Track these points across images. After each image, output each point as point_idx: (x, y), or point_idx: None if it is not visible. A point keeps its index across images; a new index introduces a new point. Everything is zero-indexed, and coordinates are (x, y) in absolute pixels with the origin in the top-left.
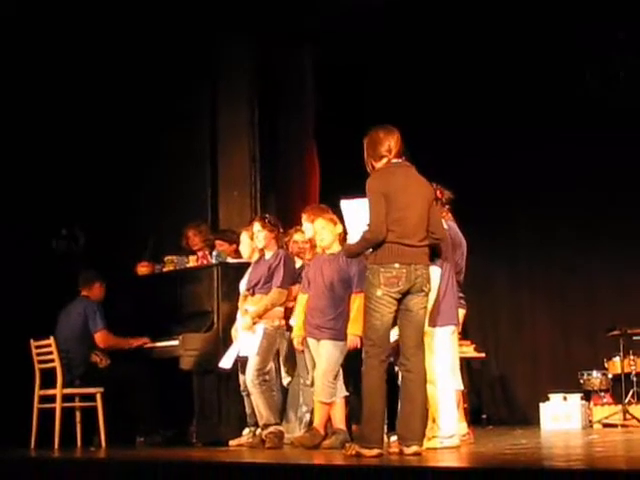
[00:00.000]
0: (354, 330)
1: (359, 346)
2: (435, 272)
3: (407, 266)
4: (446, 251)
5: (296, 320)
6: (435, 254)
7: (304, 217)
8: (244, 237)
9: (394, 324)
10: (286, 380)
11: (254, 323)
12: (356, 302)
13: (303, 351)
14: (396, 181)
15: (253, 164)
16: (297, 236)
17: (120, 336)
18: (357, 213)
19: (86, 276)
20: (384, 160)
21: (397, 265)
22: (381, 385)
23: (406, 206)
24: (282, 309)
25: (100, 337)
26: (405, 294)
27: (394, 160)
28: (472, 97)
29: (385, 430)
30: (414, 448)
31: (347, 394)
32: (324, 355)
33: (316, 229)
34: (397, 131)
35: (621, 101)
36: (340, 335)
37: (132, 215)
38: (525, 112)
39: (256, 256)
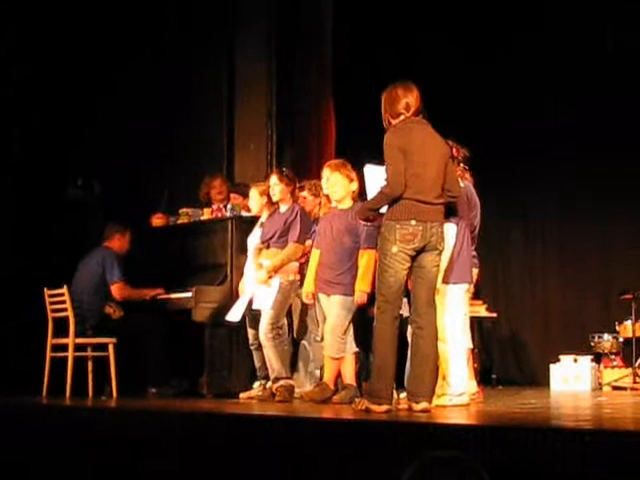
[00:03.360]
0: (362, 286)
1: (366, 302)
2: (451, 229)
3: (423, 223)
4: (462, 209)
5: (307, 275)
6: (451, 212)
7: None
8: (253, 193)
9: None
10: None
11: (269, 277)
12: (364, 258)
13: (310, 306)
14: (414, 137)
15: (270, 118)
16: (302, 194)
17: (135, 287)
18: (379, 180)
19: (110, 227)
20: (401, 117)
21: (414, 222)
22: (393, 341)
23: (424, 163)
24: (297, 264)
25: (116, 289)
26: (419, 252)
27: (411, 118)
28: (495, 50)
29: (394, 386)
30: (423, 405)
31: (357, 350)
32: (333, 310)
33: (331, 181)
34: (416, 88)
35: None
36: (349, 290)
37: (147, 167)
38: (547, 64)
39: (265, 212)
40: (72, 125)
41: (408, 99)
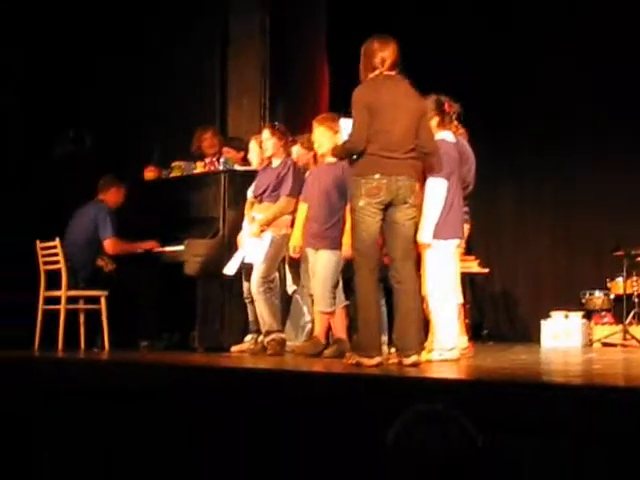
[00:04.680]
0: (349, 240)
1: None
2: (442, 184)
3: (388, 177)
4: (438, 165)
5: (294, 229)
6: (431, 168)
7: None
8: (253, 145)
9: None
10: (291, 288)
11: (262, 231)
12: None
13: (299, 259)
14: (384, 93)
15: (263, 73)
16: (295, 148)
17: (128, 240)
18: None
19: (104, 180)
20: (376, 72)
21: (377, 176)
22: (374, 293)
23: (392, 119)
24: (289, 218)
25: (109, 244)
26: (388, 205)
27: (386, 72)
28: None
29: (385, 342)
30: (413, 358)
31: (347, 303)
32: (322, 264)
33: (316, 136)
34: (393, 42)
35: None
36: (337, 244)
37: (141, 120)
38: (535, 20)
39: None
40: (66, 78)
41: (384, 53)
